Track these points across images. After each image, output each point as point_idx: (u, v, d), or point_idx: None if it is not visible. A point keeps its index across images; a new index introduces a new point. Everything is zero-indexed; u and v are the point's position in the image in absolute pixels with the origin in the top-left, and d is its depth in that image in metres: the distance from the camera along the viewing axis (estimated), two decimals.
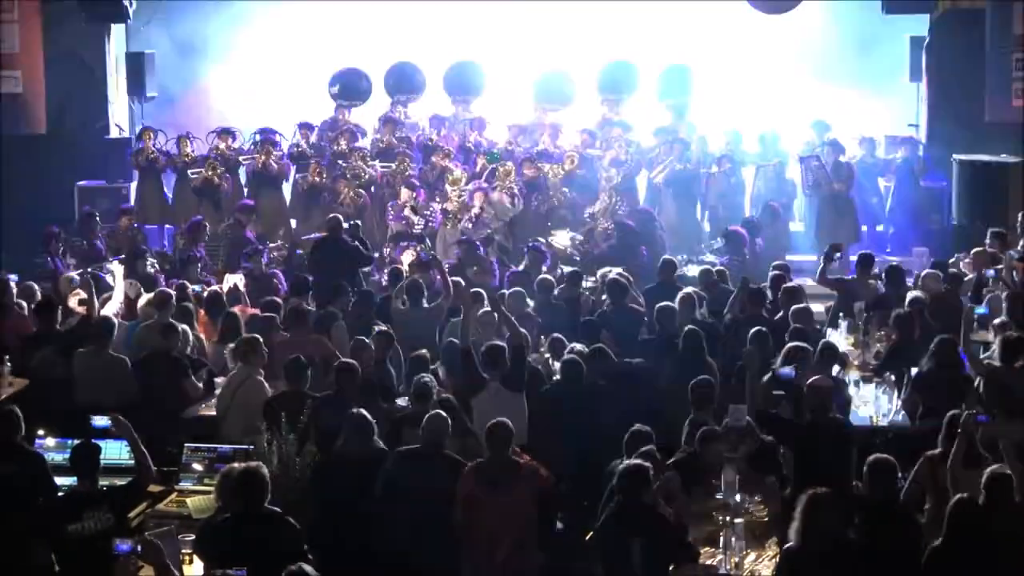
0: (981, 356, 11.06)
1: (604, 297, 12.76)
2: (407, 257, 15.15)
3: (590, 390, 10.07)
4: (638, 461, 7.73)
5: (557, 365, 10.85)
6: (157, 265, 14.95)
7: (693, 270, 14.47)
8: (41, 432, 9.24)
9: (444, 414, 8.64)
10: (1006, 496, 7.54)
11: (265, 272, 14.37)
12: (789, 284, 12.69)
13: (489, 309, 11.37)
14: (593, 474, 8.93)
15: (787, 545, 7.27)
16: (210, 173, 17.57)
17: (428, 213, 16.67)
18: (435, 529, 8.22)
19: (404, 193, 16.59)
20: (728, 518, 7.81)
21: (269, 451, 8.98)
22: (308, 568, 6.67)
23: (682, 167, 17.53)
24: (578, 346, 10.81)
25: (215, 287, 13.41)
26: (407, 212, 16.42)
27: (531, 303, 12.49)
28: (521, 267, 14.30)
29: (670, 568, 7.59)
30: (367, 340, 10.98)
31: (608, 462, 8.61)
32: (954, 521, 7.29)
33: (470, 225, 16.27)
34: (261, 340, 10.60)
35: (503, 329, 10.76)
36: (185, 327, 11.50)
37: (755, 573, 7.59)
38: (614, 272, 13.13)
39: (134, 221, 16.88)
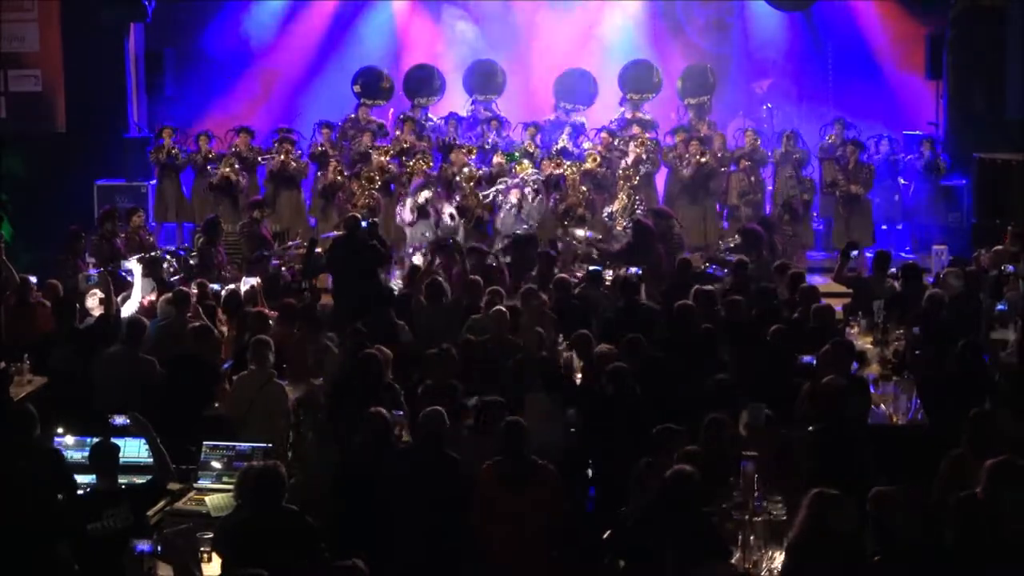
0: (1000, 354, 11.03)
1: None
2: None
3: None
4: (688, 468, 7.53)
5: (580, 363, 10.91)
6: (176, 264, 14.98)
7: None
8: (60, 430, 9.25)
9: (441, 411, 8.59)
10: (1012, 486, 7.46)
11: (275, 275, 14.38)
12: (805, 283, 12.70)
13: (503, 308, 11.42)
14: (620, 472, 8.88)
15: (789, 539, 7.24)
16: (228, 170, 17.60)
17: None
18: (435, 529, 8.20)
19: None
20: (746, 517, 7.79)
21: (291, 449, 8.99)
22: (360, 564, 6.66)
23: (706, 161, 17.52)
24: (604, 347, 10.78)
25: (233, 286, 13.43)
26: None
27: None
28: (534, 271, 14.25)
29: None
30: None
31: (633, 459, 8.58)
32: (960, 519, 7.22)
33: (511, 220, 16.34)
34: (271, 341, 10.59)
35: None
36: (211, 325, 11.57)
37: (773, 572, 7.56)
38: (628, 271, 13.18)
39: (146, 219, 16.91)
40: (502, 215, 16.50)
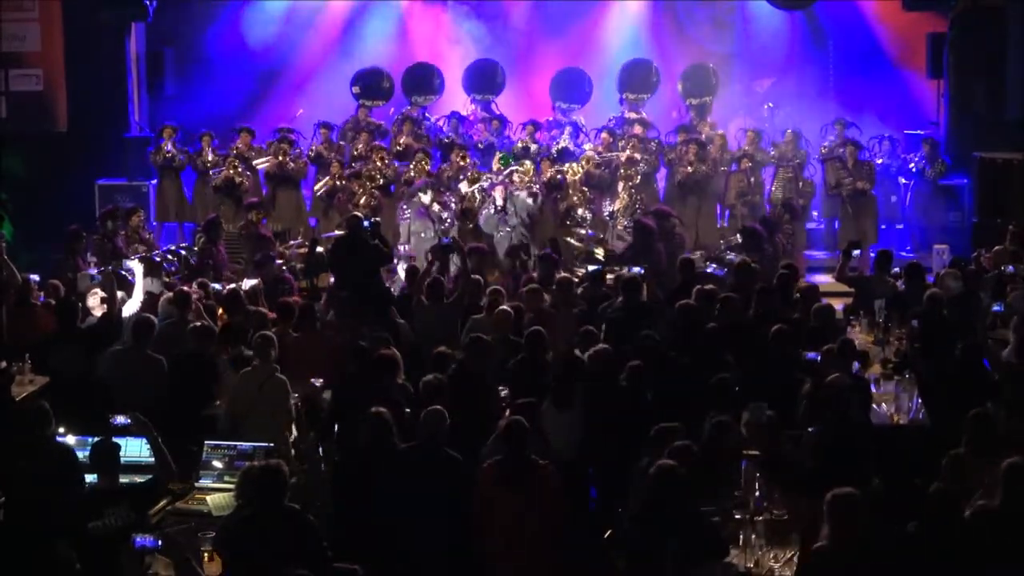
0: (1000, 354, 11.04)
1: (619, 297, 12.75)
2: None
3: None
4: (671, 463, 7.57)
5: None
6: (176, 263, 14.98)
7: None
8: (61, 430, 9.25)
9: (441, 410, 8.57)
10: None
11: (278, 275, 14.38)
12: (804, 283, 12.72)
13: (507, 308, 11.43)
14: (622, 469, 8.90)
15: (816, 545, 7.20)
16: (231, 171, 17.61)
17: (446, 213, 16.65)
18: (436, 528, 8.21)
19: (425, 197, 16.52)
20: (747, 517, 7.80)
21: (292, 448, 8.99)
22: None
23: (693, 171, 17.50)
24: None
25: (234, 286, 13.43)
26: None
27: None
28: (535, 274, 14.21)
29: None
30: None
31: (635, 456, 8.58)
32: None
33: (494, 221, 16.27)
34: (274, 337, 10.59)
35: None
36: (212, 324, 11.57)
37: (774, 572, 7.56)
38: (630, 271, 13.17)
39: (146, 219, 16.91)
40: (484, 215, 16.40)
